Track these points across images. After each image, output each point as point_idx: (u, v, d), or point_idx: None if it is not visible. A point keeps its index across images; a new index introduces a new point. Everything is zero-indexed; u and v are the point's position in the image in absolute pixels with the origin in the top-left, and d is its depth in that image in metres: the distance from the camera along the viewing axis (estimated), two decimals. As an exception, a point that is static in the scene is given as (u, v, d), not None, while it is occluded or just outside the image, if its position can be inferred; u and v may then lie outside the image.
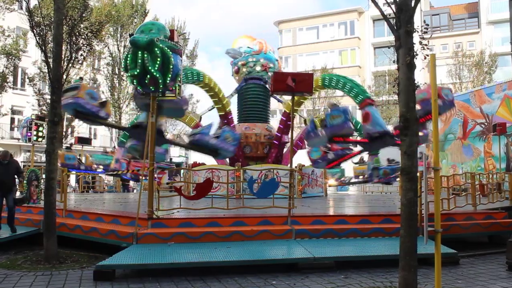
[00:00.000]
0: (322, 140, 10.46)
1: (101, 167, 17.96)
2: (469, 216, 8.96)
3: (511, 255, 6.85)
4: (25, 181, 10.37)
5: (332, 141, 10.67)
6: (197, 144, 9.54)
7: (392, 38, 5.30)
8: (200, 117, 17.11)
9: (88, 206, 10.92)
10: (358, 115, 18.88)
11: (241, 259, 6.74)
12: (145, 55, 7.36)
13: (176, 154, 37.57)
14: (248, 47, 16.52)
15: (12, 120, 30.50)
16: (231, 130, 10.30)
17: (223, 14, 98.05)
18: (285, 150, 16.50)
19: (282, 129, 15.96)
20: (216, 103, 16.24)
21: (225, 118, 16.06)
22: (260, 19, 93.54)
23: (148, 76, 7.46)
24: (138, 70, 7.43)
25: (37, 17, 10.77)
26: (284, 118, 15.94)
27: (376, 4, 5.47)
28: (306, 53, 43.18)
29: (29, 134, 15.22)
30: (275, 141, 15.86)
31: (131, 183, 22.43)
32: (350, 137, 10.76)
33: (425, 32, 6.02)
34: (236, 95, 16.83)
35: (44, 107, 24.26)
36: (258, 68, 16.27)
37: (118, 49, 29.23)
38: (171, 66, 7.54)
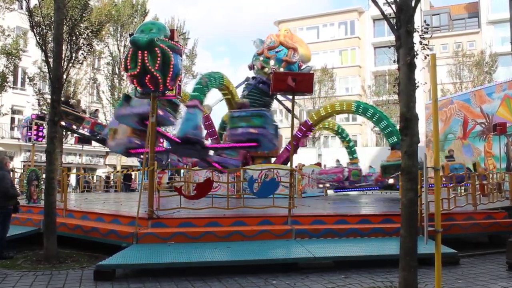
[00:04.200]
0: None
1: None
2: (469, 216, 8.96)
3: (511, 255, 6.85)
4: (25, 181, 10.38)
5: None
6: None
7: (392, 38, 5.30)
8: (211, 109, 16.81)
9: (88, 206, 10.93)
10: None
11: (241, 258, 6.74)
12: (145, 55, 7.36)
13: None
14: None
15: (12, 119, 30.48)
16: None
17: (226, 14, 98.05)
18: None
19: (298, 138, 15.67)
20: (230, 106, 15.83)
21: None
22: (267, 18, 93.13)
23: (148, 75, 7.46)
24: (138, 70, 7.44)
25: (37, 16, 10.75)
26: (304, 128, 15.70)
27: (376, 4, 5.47)
28: (306, 53, 43.14)
29: (29, 133, 15.22)
30: (287, 147, 15.68)
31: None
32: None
33: (426, 32, 6.02)
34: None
35: (44, 107, 24.25)
36: (266, 70, 16.14)
37: (118, 49, 29.20)
38: (171, 66, 7.54)
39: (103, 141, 12.87)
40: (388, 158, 12.74)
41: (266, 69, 15.97)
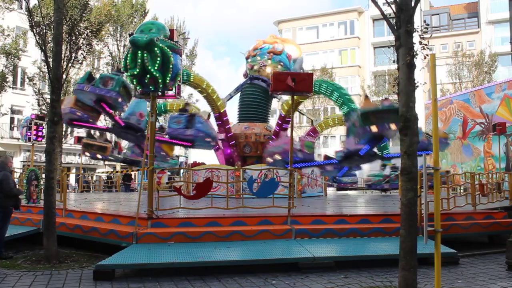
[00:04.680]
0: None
1: None
2: (468, 216, 8.97)
3: (510, 255, 6.85)
4: (24, 181, 10.37)
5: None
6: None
7: (392, 37, 5.30)
8: (209, 114, 16.80)
9: (87, 206, 10.92)
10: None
11: (241, 258, 6.75)
12: (145, 55, 7.36)
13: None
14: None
15: (12, 119, 30.49)
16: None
17: (227, 13, 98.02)
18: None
19: (277, 132, 15.76)
20: (210, 103, 16.12)
21: (220, 119, 15.90)
22: (267, 18, 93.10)
23: (148, 75, 7.46)
24: (138, 70, 7.44)
25: (37, 16, 10.75)
26: (280, 122, 15.80)
27: (376, 4, 5.46)
28: (305, 53, 42.80)
29: (28, 133, 15.22)
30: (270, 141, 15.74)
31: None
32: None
33: (425, 32, 6.00)
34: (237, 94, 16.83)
35: (44, 107, 24.25)
36: (256, 67, 16.24)
37: (118, 49, 29.22)
38: (171, 66, 7.54)
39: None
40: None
41: (255, 67, 16.13)
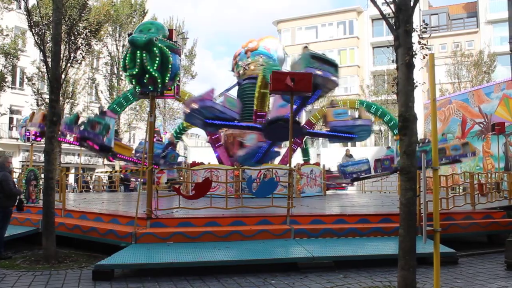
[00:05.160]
0: None
1: None
2: (468, 216, 8.97)
3: (509, 255, 6.86)
4: (23, 181, 10.37)
5: None
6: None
7: (391, 37, 5.30)
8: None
9: (87, 206, 10.91)
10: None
11: (240, 258, 6.74)
12: (144, 55, 7.35)
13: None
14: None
15: (11, 119, 30.46)
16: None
17: (226, 13, 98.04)
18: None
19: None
20: None
21: None
22: (267, 18, 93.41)
23: (147, 75, 7.45)
24: (137, 70, 7.43)
25: (36, 16, 10.76)
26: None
27: (375, 4, 5.47)
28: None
29: (27, 133, 15.18)
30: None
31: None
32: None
33: (424, 32, 6.00)
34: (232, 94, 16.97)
35: (42, 107, 24.21)
36: (241, 71, 16.45)
37: (117, 49, 29.21)
38: (170, 66, 7.53)
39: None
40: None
41: (241, 71, 16.44)
